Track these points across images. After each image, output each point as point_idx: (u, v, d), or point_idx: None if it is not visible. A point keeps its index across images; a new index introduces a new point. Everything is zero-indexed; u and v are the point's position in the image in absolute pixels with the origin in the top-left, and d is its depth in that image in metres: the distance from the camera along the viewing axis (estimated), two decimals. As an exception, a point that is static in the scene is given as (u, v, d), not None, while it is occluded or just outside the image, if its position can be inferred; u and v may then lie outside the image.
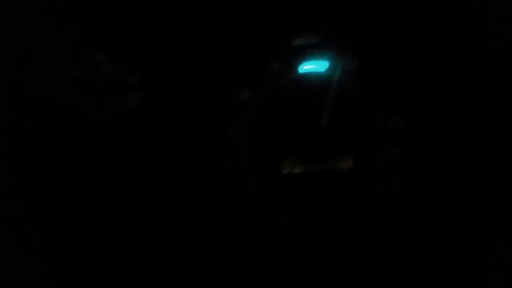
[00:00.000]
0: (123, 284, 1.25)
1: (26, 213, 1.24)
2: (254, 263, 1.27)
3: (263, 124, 1.29)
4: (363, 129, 1.29)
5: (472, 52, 1.25)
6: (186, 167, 1.29)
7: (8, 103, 1.25)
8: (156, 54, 1.27)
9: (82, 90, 1.28)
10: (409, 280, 1.26)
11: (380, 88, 1.28)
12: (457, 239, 1.26)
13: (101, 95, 1.28)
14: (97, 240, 1.26)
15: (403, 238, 1.27)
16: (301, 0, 1.25)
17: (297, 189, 1.29)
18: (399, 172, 1.29)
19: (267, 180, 1.29)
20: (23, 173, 1.25)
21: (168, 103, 1.29)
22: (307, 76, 1.29)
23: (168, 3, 1.25)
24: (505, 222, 1.25)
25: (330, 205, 1.29)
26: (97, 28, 1.25)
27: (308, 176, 1.29)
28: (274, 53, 1.28)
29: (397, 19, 1.26)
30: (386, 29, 1.26)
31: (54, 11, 1.25)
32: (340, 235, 1.28)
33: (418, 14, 1.26)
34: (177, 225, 1.28)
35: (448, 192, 1.28)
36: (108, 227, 1.26)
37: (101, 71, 1.27)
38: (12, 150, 1.25)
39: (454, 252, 1.26)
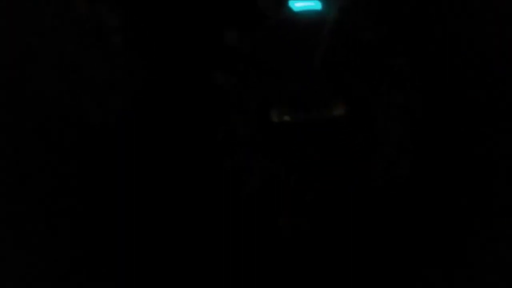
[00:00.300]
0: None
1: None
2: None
3: (252, 68, 1.19)
4: (359, 73, 1.18)
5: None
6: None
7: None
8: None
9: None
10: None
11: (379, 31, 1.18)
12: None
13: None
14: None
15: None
16: None
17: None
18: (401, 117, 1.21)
19: (258, 129, 1.20)
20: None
21: (150, 49, 1.19)
22: (299, 14, 1.18)
23: None
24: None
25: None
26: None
27: (298, 125, 1.20)
28: None
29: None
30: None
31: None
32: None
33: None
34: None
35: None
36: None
37: (80, 13, 1.21)
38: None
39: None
